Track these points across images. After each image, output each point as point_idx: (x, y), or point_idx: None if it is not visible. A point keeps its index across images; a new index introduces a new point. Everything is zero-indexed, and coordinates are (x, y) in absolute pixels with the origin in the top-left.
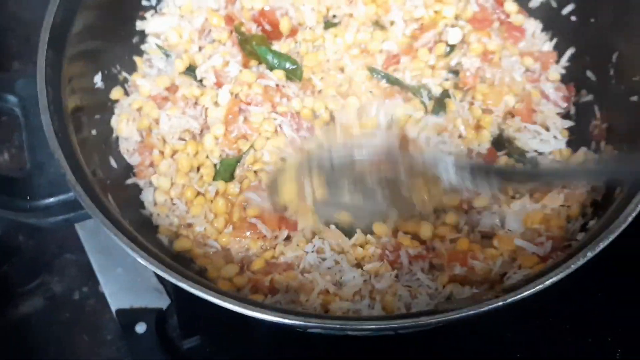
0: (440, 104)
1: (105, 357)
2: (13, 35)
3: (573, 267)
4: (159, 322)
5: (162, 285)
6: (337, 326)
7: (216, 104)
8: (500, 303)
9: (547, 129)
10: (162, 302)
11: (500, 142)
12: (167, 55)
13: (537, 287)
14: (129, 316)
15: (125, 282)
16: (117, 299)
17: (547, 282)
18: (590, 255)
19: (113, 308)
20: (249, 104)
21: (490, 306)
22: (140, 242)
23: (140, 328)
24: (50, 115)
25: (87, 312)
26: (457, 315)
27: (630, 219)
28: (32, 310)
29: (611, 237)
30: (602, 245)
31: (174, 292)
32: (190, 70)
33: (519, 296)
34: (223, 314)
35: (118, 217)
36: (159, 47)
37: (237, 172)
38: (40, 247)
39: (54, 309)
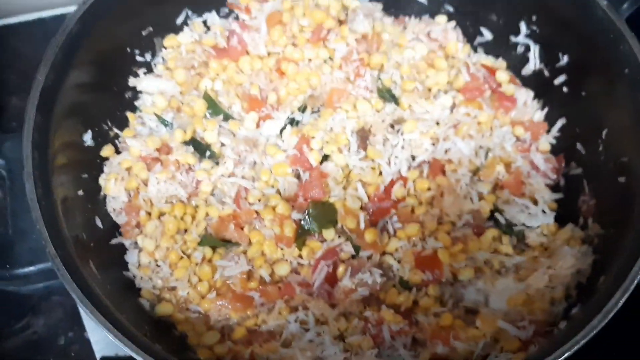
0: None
1: None
2: (12, 71)
3: None
4: None
5: None
6: None
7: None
8: None
9: (536, 202)
10: None
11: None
12: (166, 125)
13: None
14: None
15: None
16: (102, 346)
17: None
18: (569, 354)
19: (98, 355)
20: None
21: None
22: (116, 319)
23: None
24: (34, 181)
25: (71, 358)
26: None
27: (611, 314)
28: (15, 352)
29: (588, 336)
30: (581, 343)
31: None
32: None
33: None
34: None
35: (97, 293)
36: (157, 116)
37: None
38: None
39: (37, 352)
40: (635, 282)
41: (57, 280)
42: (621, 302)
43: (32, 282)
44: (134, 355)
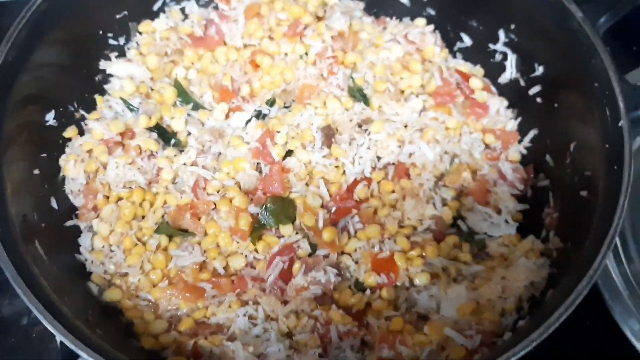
0: None
1: None
2: None
3: None
4: None
5: None
6: None
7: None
8: None
9: (499, 212)
10: None
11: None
12: (132, 110)
13: None
14: None
15: None
16: None
17: None
18: None
19: (58, 338)
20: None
21: None
22: (51, 301)
23: None
24: None
25: (33, 338)
26: None
27: (552, 329)
28: None
29: (527, 348)
30: (519, 354)
31: None
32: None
33: None
34: None
35: (33, 272)
36: (124, 100)
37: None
38: None
39: (1, 331)
40: (580, 298)
41: None
42: (563, 317)
43: None
44: (62, 339)
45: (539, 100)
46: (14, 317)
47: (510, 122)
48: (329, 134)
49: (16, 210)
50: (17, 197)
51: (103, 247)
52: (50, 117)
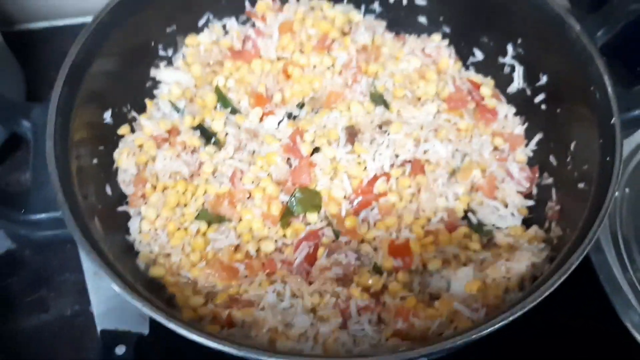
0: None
1: None
2: (56, 67)
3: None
4: (138, 347)
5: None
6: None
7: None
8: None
9: (506, 205)
10: (145, 328)
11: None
12: (178, 111)
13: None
14: (112, 337)
15: (114, 305)
16: (103, 319)
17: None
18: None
19: (99, 328)
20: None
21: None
22: (111, 263)
23: (120, 350)
24: (54, 142)
25: (76, 328)
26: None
27: (533, 304)
28: (27, 322)
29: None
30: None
31: (151, 321)
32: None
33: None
34: (195, 345)
35: (96, 239)
36: (171, 102)
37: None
38: (44, 264)
39: (46, 322)
40: (571, 269)
41: (64, 230)
42: (556, 285)
43: (42, 229)
44: (122, 293)
45: (543, 107)
46: (59, 309)
47: (517, 128)
48: (352, 133)
49: (79, 190)
50: (80, 179)
51: (149, 230)
52: (107, 116)
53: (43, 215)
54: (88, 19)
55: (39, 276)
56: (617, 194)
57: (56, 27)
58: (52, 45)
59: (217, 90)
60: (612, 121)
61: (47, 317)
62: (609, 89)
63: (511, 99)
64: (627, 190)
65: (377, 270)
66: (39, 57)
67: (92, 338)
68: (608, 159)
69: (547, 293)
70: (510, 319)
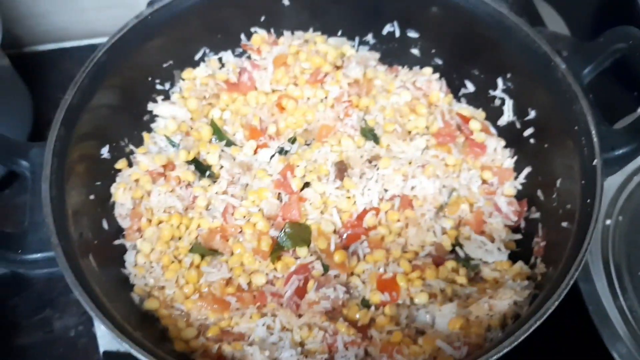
0: None
1: None
2: (62, 90)
3: None
4: None
5: None
6: None
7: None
8: None
9: (493, 241)
10: None
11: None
12: (173, 145)
13: None
14: (114, 359)
15: None
16: (106, 341)
17: None
18: None
19: (101, 349)
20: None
21: None
22: (101, 305)
23: None
24: (50, 184)
25: (79, 349)
26: None
27: (515, 343)
28: (31, 342)
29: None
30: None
31: None
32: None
33: None
34: None
35: (88, 279)
36: (167, 137)
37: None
38: (49, 285)
39: (50, 342)
40: (548, 312)
41: (58, 268)
42: (533, 328)
43: (39, 268)
44: (110, 332)
45: (532, 141)
46: (63, 329)
47: (507, 161)
48: (341, 168)
49: (75, 229)
50: (75, 217)
51: (145, 263)
52: (104, 151)
53: (39, 255)
54: (94, 40)
55: (43, 297)
56: (609, 222)
57: (63, 49)
58: (59, 66)
59: (213, 123)
60: (594, 162)
61: (51, 337)
62: (593, 130)
63: (501, 132)
64: (620, 218)
65: (365, 304)
66: (46, 78)
67: (95, 359)
68: (588, 201)
69: (523, 336)
70: None
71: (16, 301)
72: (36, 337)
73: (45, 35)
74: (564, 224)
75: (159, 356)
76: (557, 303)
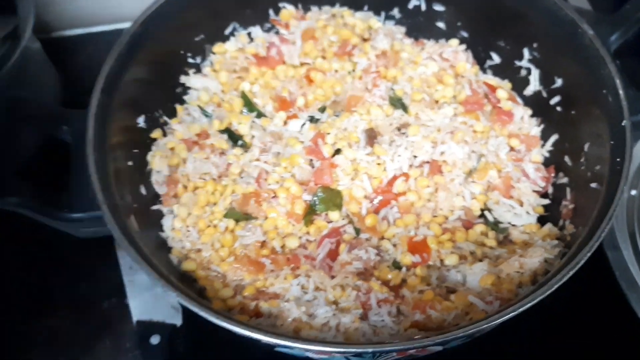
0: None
1: None
2: (93, 72)
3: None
4: (172, 337)
5: (179, 304)
6: (300, 346)
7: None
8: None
9: (522, 204)
10: (178, 319)
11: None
12: (207, 115)
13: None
14: (147, 328)
15: (149, 297)
16: (139, 311)
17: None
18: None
19: (134, 319)
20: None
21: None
22: (147, 257)
23: (155, 340)
24: (93, 147)
25: (113, 320)
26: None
27: (542, 297)
28: (67, 313)
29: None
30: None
31: (184, 312)
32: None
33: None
34: (224, 336)
35: (133, 235)
36: (200, 107)
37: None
38: (84, 261)
39: (85, 314)
40: (580, 264)
41: (104, 227)
42: (564, 279)
43: (84, 227)
44: (163, 288)
45: (559, 109)
46: (97, 301)
47: (534, 129)
48: (371, 135)
49: (117, 190)
50: (117, 181)
51: (181, 227)
52: (141, 120)
53: (85, 214)
54: (122, 25)
55: (77, 273)
56: (634, 192)
57: (91, 33)
58: (88, 51)
59: (243, 95)
60: (623, 123)
61: (86, 310)
62: (621, 92)
63: (528, 101)
64: None
65: (397, 265)
66: (75, 63)
67: (130, 329)
68: (618, 159)
69: (556, 286)
70: (521, 310)
71: (51, 278)
72: (71, 307)
73: (74, 20)
74: (593, 185)
75: (205, 305)
76: (589, 254)
